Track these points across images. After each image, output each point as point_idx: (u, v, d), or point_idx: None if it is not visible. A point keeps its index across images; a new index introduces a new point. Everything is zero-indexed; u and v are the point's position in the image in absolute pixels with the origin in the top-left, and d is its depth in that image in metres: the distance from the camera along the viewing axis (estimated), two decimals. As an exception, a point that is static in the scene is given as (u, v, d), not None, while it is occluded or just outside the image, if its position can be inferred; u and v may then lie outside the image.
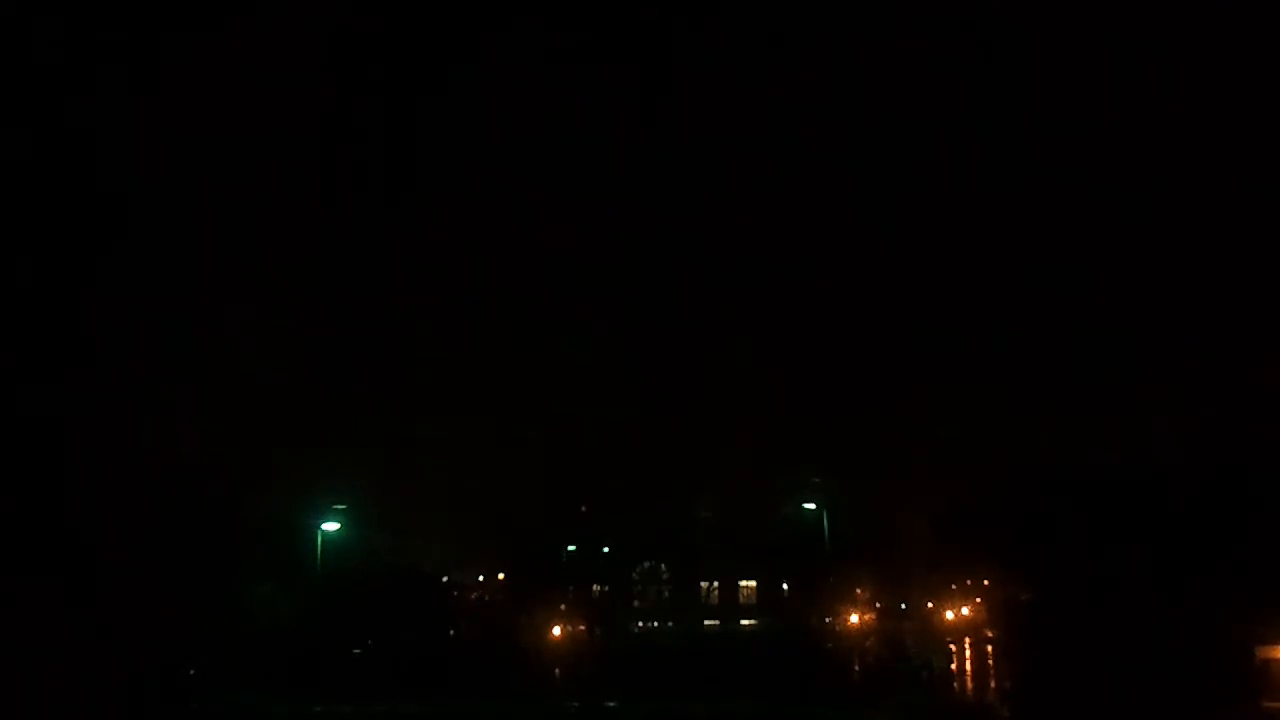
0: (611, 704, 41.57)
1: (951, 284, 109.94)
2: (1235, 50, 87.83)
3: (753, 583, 73.51)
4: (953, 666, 70.86)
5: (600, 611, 62.48)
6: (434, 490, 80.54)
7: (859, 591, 64.59)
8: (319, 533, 48.42)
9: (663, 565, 72.86)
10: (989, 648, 65.55)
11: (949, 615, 77.21)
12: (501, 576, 68.87)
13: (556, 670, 51.89)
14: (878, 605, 68.20)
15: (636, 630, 66.93)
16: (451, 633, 60.06)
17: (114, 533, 40.82)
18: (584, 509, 70.15)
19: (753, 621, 68.34)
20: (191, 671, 44.25)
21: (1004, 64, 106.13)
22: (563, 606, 60.78)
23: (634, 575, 72.22)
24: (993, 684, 56.55)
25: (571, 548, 66.47)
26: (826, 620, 61.30)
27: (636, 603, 70.72)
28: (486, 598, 69.33)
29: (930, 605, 77.89)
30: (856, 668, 51.99)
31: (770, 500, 67.58)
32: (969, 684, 64.78)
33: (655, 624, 69.07)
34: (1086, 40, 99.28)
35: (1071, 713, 36.86)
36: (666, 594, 72.19)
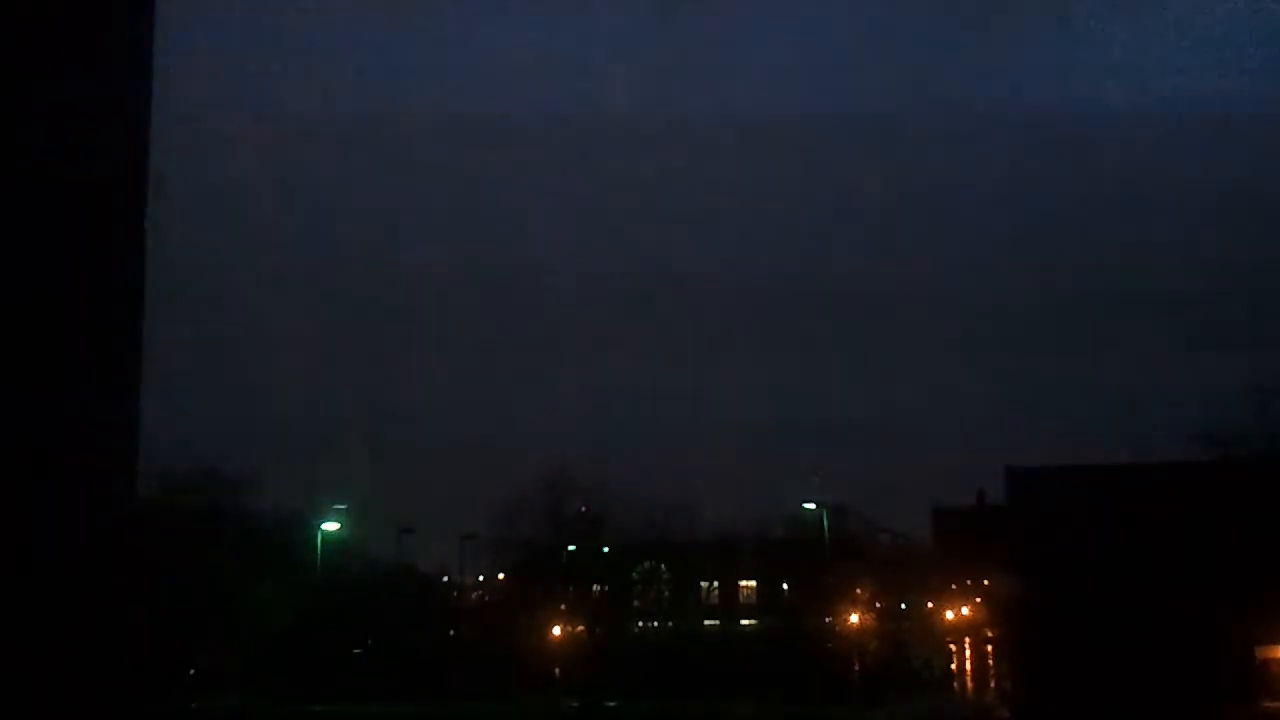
0: (611, 704, 41.62)
1: (952, 284, 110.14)
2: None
3: (753, 583, 73.26)
4: (953, 666, 70.89)
5: (600, 611, 62.25)
6: (434, 490, 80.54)
7: (859, 591, 64.34)
8: (319, 533, 48.40)
9: (663, 565, 72.57)
10: (989, 648, 65.54)
11: (949, 615, 76.96)
12: (501, 576, 68.66)
13: (556, 670, 51.92)
14: (878, 605, 67.94)
15: (636, 630, 66.69)
16: (451, 633, 60.04)
17: (112, 532, 40.76)
18: (584, 509, 69.92)
19: (753, 621, 68.14)
20: (191, 671, 44.22)
21: (1003, 62, 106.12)
22: (563, 606, 60.59)
23: (634, 575, 71.92)
24: (993, 684, 56.60)
25: (571, 548, 66.23)
26: (826, 620, 61.17)
27: (636, 603, 70.40)
28: (486, 598, 69.23)
29: (930, 605, 77.60)
30: (856, 668, 51.99)
31: (770, 500, 67.49)
32: (969, 684, 64.81)
33: (655, 624, 68.78)
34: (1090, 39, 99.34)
35: (1071, 713, 36.88)
36: (666, 594, 71.88)
